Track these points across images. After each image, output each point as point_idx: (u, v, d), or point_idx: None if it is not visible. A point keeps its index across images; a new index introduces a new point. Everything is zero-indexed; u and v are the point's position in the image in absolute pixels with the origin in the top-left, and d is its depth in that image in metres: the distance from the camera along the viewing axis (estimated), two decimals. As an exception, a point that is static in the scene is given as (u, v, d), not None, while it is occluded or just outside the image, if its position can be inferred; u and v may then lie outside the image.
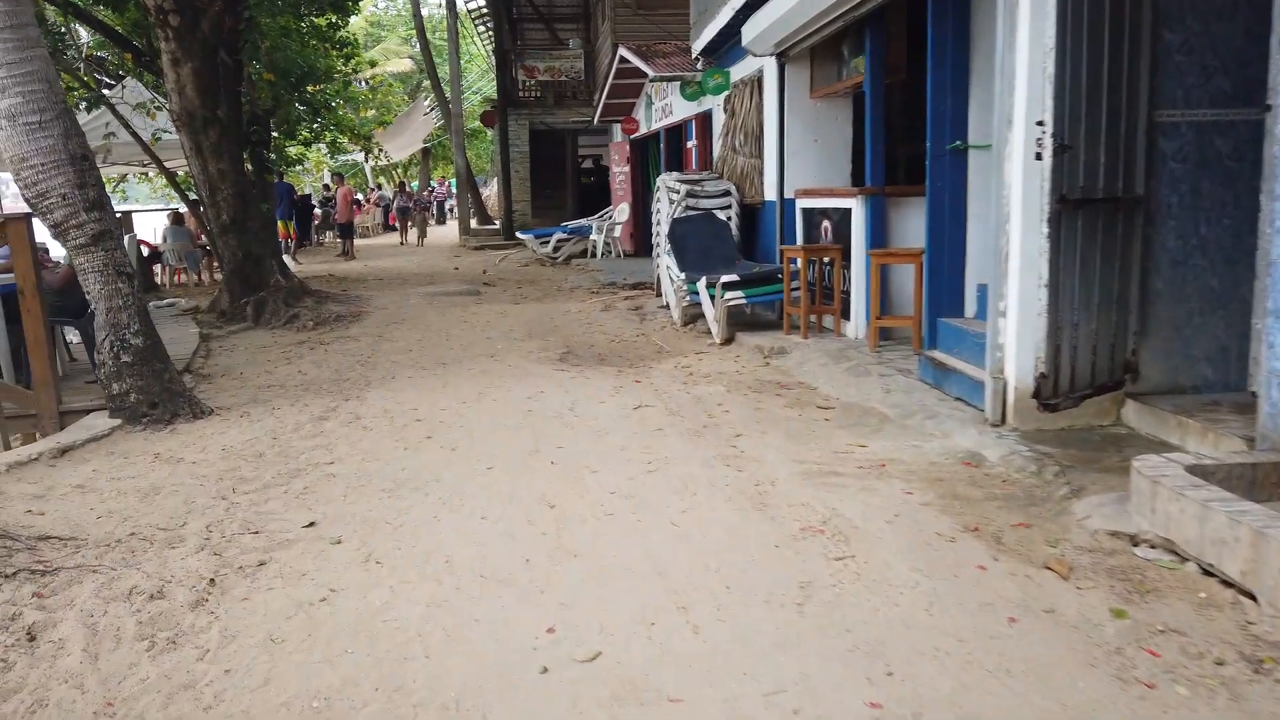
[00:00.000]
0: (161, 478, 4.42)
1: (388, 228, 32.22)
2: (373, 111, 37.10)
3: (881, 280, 6.69)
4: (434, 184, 39.04)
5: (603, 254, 16.61)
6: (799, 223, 8.45)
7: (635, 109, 16.18)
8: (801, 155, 8.57)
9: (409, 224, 24.76)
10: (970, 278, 5.69)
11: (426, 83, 32.12)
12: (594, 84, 21.41)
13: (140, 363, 5.33)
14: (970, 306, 5.71)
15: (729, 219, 9.57)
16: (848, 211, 7.38)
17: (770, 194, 9.11)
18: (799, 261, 7.63)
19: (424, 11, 38.29)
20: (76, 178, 5.10)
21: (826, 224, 7.87)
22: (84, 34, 14.84)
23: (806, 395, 5.81)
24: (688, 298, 8.76)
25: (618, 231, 16.73)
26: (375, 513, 3.82)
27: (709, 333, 8.33)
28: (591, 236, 16.99)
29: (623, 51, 13.56)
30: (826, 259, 7.66)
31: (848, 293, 7.45)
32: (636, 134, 16.21)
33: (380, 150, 24.21)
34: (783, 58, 8.38)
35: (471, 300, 11.66)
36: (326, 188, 27.40)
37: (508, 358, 7.58)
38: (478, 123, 41.04)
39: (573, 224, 17.99)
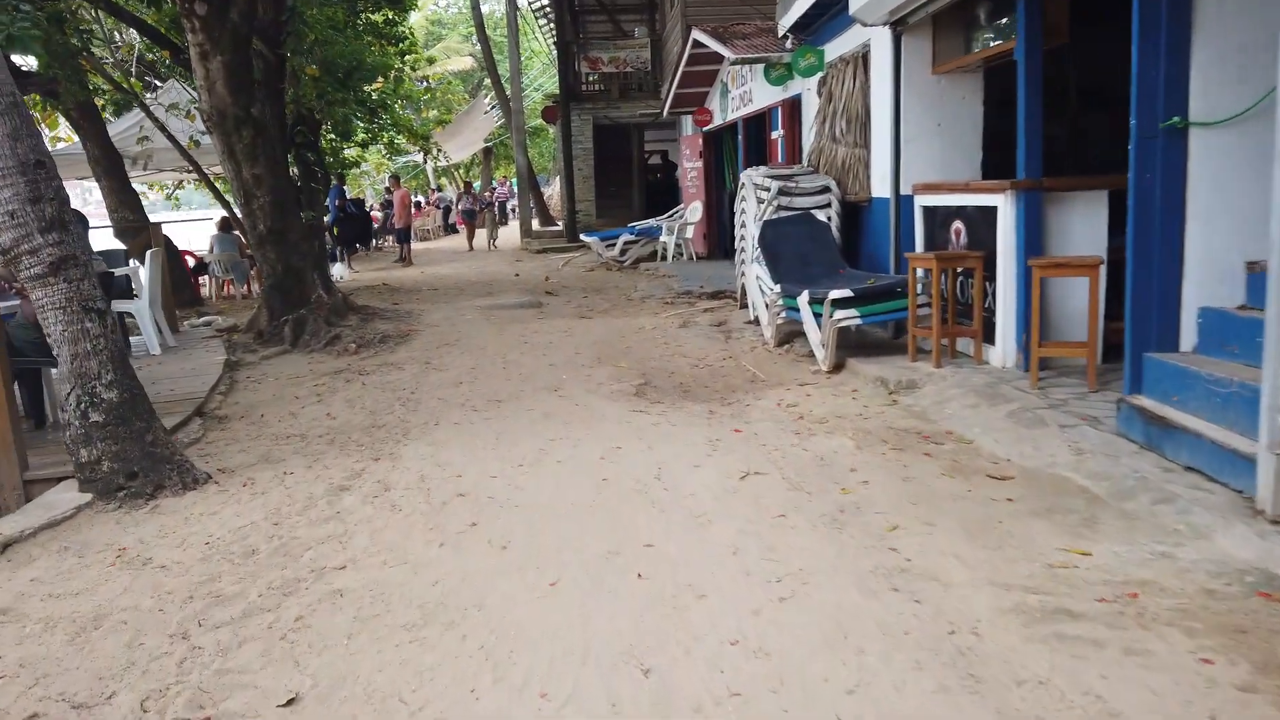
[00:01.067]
0: (113, 595, 3.26)
1: (449, 229, 31.41)
2: (434, 111, 36.45)
3: (1041, 296, 5.27)
4: (495, 184, 38.19)
5: (673, 257, 15.33)
6: (919, 224, 7.04)
7: (709, 99, 14.84)
8: (921, 142, 7.15)
9: (475, 227, 22.83)
10: (1189, 298, 4.25)
11: (487, 80, 31.22)
12: (661, 74, 20.11)
13: (115, 422, 4.22)
14: (1188, 336, 4.28)
15: (829, 220, 8.19)
16: (990, 210, 5.96)
17: (880, 189, 7.71)
18: (929, 272, 6.24)
19: (484, 8, 37.51)
20: (29, 190, 4.00)
21: (958, 226, 6.45)
22: (135, 34, 14.09)
23: (965, 455, 4.44)
24: (783, 314, 7.43)
25: (689, 233, 15.42)
26: (387, 677, 2.60)
27: (811, 356, 6.99)
28: (661, 238, 15.70)
29: (696, 34, 12.23)
30: (963, 269, 6.25)
31: (991, 311, 6.03)
32: (710, 126, 14.87)
33: (439, 150, 23.30)
34: (899, 26, 6.97)
35: (533, 314, 10.48)
36: (387, 190, 26.63)
37: (574, 392, 6.34)
38: (539, 120, 40.20)
39: (640, 225, 16.74)
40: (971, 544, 3.29)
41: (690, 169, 15.91)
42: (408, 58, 23.13)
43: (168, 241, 12.91)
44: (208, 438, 5.50)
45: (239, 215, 10.07)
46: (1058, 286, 5.58)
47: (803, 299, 6.83)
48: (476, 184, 44.96)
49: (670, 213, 17.50)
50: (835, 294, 6.40)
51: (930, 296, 6.36)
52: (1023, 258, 5.67)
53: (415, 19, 40.04)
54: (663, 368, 7.14)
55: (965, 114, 7.13)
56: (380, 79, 20.92)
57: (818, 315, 6.71)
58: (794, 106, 10.34)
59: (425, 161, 25.51)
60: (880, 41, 7.40)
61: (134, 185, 21.87)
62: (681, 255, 15.55)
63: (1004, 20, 6.10)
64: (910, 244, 7.19)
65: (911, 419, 5.21)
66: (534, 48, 43.85)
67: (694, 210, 15.53)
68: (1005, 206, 5.74)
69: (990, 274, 5.99)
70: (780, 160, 10.70)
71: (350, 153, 23.65)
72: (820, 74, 9.14)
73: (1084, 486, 3.83)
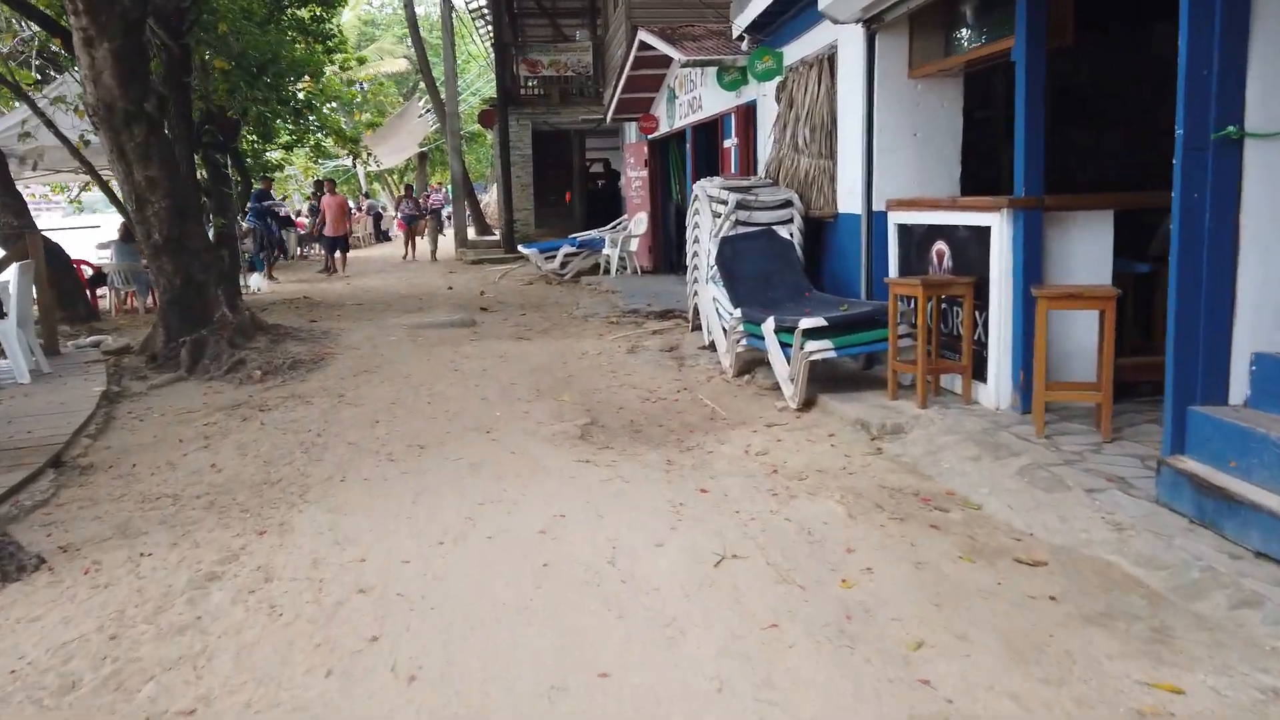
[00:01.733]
0: None
1: (380, 237, 30.15)
2: (366, 115, 35.09)
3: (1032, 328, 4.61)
4: (429, 190, 36.99)
5: (617, 271, 14.54)
6: (893, 244, 6.36)
7: (654, 105, 14.11)
8: (896, 153, 6.48)
9: (415, 234, 21.06)
10: (1241, 342, 3.60)
11: (423, 84, 30.07)
12: (604, 79, 19.34)
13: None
14: (1238, 387, 3.62)
15: (791, 237, 7.47)
16: (982, 231, 5.29)
17: (848, 204, 7.03)
18: (910, 300, 5.55)
19: (419, 9, 36.34)
20: None
21: (941, 247, 5.78)
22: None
23: (978, 527, 3.71)
24: (744, 341, 6.67)
25: (634, 245, 14.65)
26: None
27: (776, 389, 6.25)
28: (604, 251, 14.90)
29: (643, 35, 11.49)
30: (949, 297, 5.57)
31: (982, 344, 5.36)
32: (656, 133, 14.14)
33: (369, 155, 22.17)
34: (873, 25, 6.29)
35: (465, 334, 9.57)
36: (313, 195, 25.23)
37: (510, 434, 5.49)
38: (476, 125, 39.11)
39: (582, 236, 15.92)
40: (1025, 673, 2.54)
41: (635, 178, 15.16)
42: (337, 57, 22.04)
43: (58, 250, 11.69)
44: (59, 498, 4.50)
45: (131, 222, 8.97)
46: (1057, 318, 4.93)
47: (767, 326, 6.09)
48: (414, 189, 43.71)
49: (613, 224, 16.73)
50: (806, 323, 5.66)
51: (912, 327, 5.67)
52: (1021, 285, 5.00)
53: (347, 18, 38.66)
54: (610, 402, 6.32)
55: (944, 122, 6.49)
56: (307, 78, 19.81)
57: (785, 345, 5.97)
58: (749, 113, 9.64)
59: (355, 166, 24.27)
60: (851, 41, 6.72)
61: (34, 187, 20.31)
62: (625, 269, 14.78)
63: (994, 18, 5.45)
64: (883, 265, 6.51)
65: (904, 474, 4.48)
66: (471, 51, 42.74)
67: (639, 222, 14.77)
68: (1001, 227, 5.07)
69: (981, 302, 5.32)
70: (734, 171, 9.98)
71: (275, 155, 22.39)
72: (779, 78, 8.45)
73: (1137, 578, 3.12)
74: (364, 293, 14.11)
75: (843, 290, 7.12)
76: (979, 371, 5.39)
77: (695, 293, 8.60)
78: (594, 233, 16.15)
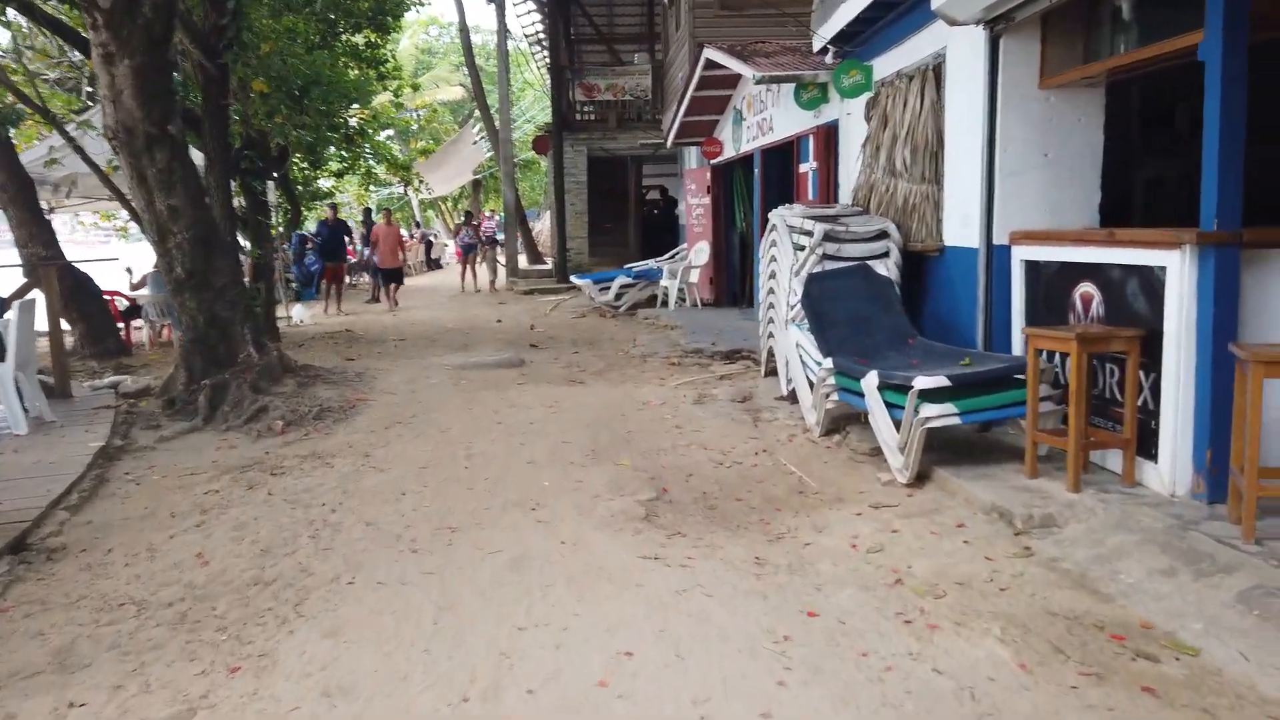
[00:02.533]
0: None
1: (432, 265, 29.62)
2: (422, 142, 34.87)
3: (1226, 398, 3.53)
4: (481, 216, 36.60)
5: (675, 303, 13.60)
6: (1018, 284, 5.31)
7: (719, 128, 13.21)
8: (1023, 177, 5.43)
9: (472, 263, 19.78)
10: None
11: (478, 111, 29.68)
12: (663, 103, 18.56)
13: None
14: None
15: (889, 274, 6.45)
16: (1147, 272, 4.24)
17: (959, 237, 5.99)
18: (1053, 355, 4.50)
19: (475, 39, 36.12)
20: None
21: (1089, 291, 4.71)
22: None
23: (1213, 692, 2.64)
24: (834, 396, 5.66)
25: (694, 276, 13.71)
26: None
27: (875, 454, 5.23)
28: (662, 282, 13.98)
29: (710, 54, 10.60)
30: (1104, 353, 4.50)
31: (1152, 413, 4.27)
32: (720, 158, 13.22)
33: (421, 182, 21.66)
34: (997, 26, 5.29)
35: (513, 376, 8.68)
36: (363, 223, 24.74)
37: (560, 513, 4.53)
38: (531, 152, 38.72)
39: (638, 266, 15.03)
40: None
41: (695, 206, 14.25)
42: (391, 83, 21.60)
43: (87, 282, 11.13)
44: (6, 597, 3.65)
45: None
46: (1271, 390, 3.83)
47: (869, 383, 5.06)
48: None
49: (671, 253, 15.82)
50: (924, 382, 4.62)
51: (1057, 388, 4.61)
52: (1210, 342, 3.93)
53: (404, 45, 38.70)
54: (678, 467, 5.35)
55: (1082, 141, 5.43)
56: (359, 105, 19.34)
57: (891, 405, 4.95)
58: (830, 134, 8.66)
59: (407, 193, 23.80)
60: (966, 47, 5.71)
61: (84, 215, 20.08)
62: (684, 302, 13.84)
63: (1164, 11, 4.42)
64: (1004, 310, 5.46)
65: (1073, 590, 3.41)
66: (527, 78, 42.55)
67: (699, 252, 13.83)
68: (1183, 268, 4.00)
69: (1149, 361, 4.24)
70: (812, 198, 9.00)
71: (325, 183, 21.99)
72: (868, 94, 7.47)
73: None
74: (409, 326, 13.36)
75: (951, 338, 6.06)
76: (1146, 446, 4.30)
77: (770, 334, 7.61)
78: (650, 263, 15.26)
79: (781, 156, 10.60)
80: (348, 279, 21.13)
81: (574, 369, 9.13)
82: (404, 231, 35.74)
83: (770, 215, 7.49)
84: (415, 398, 7.67)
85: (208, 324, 7.84)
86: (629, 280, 14.42)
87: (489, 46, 37.59)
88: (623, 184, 20.38)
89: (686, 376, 8.35)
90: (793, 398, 6.72)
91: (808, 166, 9.15)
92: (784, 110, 9.94)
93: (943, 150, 6.21)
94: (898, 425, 4.88)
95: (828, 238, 6.50)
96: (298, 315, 14.59)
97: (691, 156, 16.06)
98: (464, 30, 25.15)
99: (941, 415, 4.61)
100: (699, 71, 11.49)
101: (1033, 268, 5.25)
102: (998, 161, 5.43)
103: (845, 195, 8.32)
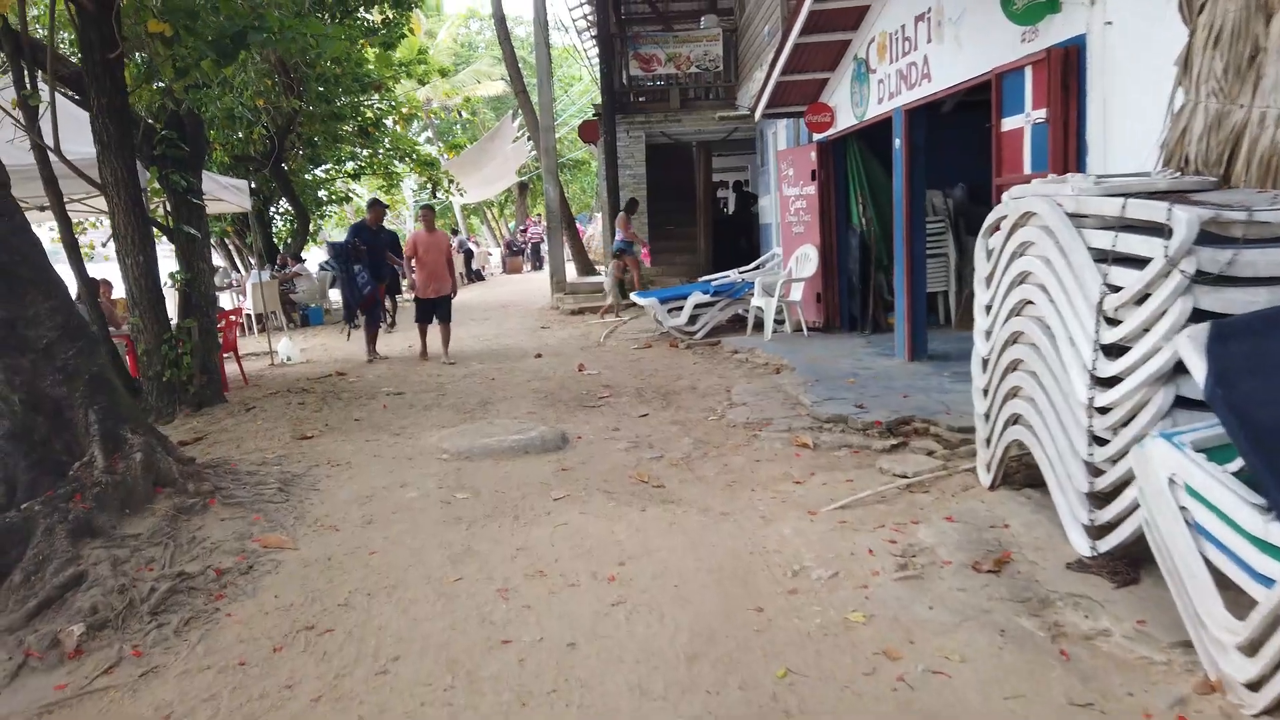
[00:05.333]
0: None
1: (473, 277, 26.44)
2: (467, 141, 31.68)
3: None
4: (527, 223, 33.48)
5: (772, 329, 10.10)
6: None
7: (827, 90, 9.69)
8: None
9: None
10: None
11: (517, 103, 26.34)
12: (737, 74, 15.07)
13: None
14: None
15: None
16: None
17: None
18: None
19: (520, 31, 32.93)
20: None
21: None
22: None
23: None
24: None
25: (797, 293, 10.18)
26: None
27: None
28: (754, 302, 10.49)
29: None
30: None
31: None
32: (829, 131, 9.70)
33: (452, 184, 18.47)
34: None
35: (544, 476, 5.29)
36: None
37: None
38: (579, 151, 35.37)
39: (718, 279, 11.55)
40: None
41: (793, 198, 10.72)
42: (418, 68, 18.41)
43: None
44: None
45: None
46: None
47: None
48: (512, 223, 40.13)
49: (757, 263, 12.33)
50: None
51: None
52: None
53: (442, 37, 35.75)
54: None
55: None
56: (375, 91, 16.21)
57: None
58: (1067, 62, 5.11)
59: (436, 195, 20.64)
60: None
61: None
62: (783, 325, 10.34)
63: None
64: None
65: None
66: (574, 74, 39.34)
67: (803, 260, 10.30)
68: None
69: None
70: (1031, 169, 5.46)
71: (338, 181, 18.91)
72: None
73: None
74: (417, 369, 10.07)
75: None
76: None
77: (1010, 414, 4.10)
78: (732, 274, 11.77)
79: (939, 118, 7.06)
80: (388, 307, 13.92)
81: (643, 455, 5.70)
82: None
83: (1028, 198, 3.98)
84: (367, 542, 4.29)
85: (27, 407, 4.59)
86: (706, 298, 10.95)
87: (531, 39, 34.30)
88: (688, 176, 16.93)
89: (839, 479, 4.87)
90: (1132, 567, 3.19)
91: (1021, 120, 5.59)
92: (954, 45, 6.43)
93: None
94: None
95: (1209, 240, 2.96)
96: (284, 352, 11.42)
97: (781, 135, 12.54)
98: (498, 12, 21.85)
99: None
100: (807, 4, 8.02)
101: None
102: None
103: (1107, 158, 4.79)
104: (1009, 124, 5.75)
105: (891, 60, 7.87)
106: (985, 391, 4.39)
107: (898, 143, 7.88)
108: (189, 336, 7.42)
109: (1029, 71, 5.47)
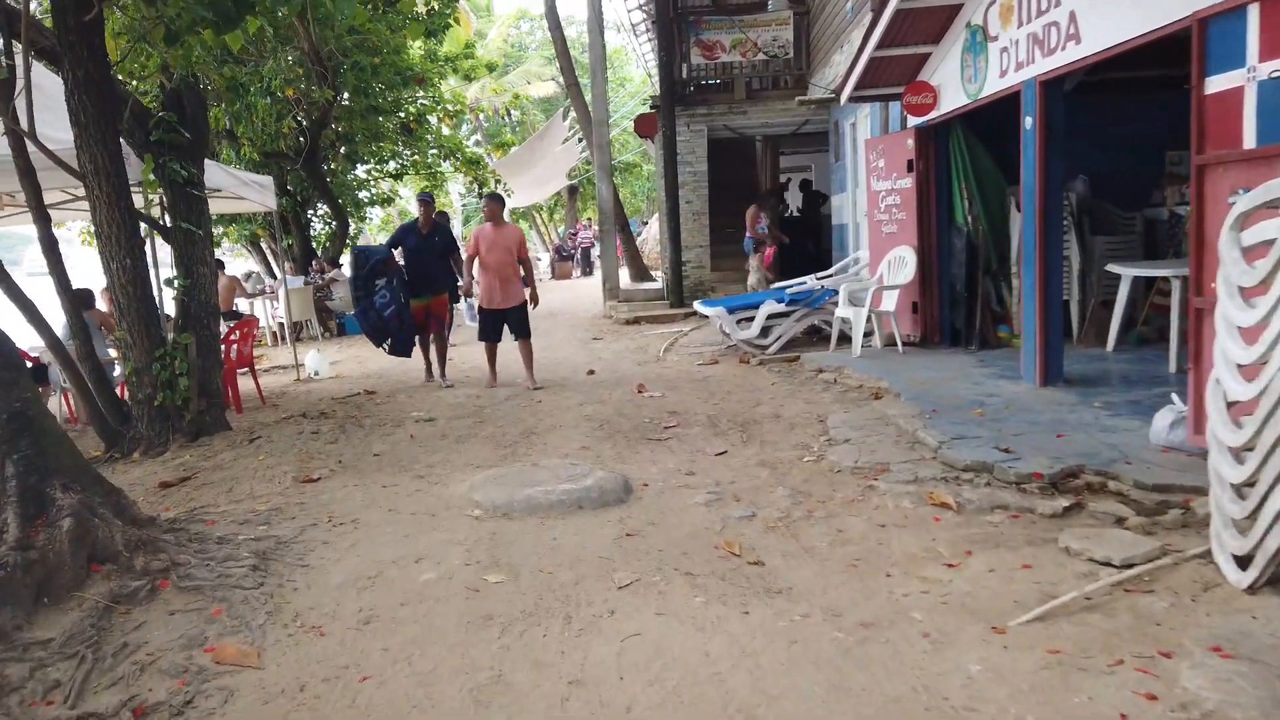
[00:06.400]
0: None
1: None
2: (517, 143, 30.60)
3: None
4: (577, 226, 32.40)
5: (861, 344, 8.71)
6: None
7: (928, 67, 8.32)
8: None
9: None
10: None
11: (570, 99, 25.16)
12: (808, 60, 13.71)
13: None
14: None
15: None
16: None
17: None
18: None
19: (570, 32, 31.77)
20: None
21: None
22: None
23: None
24: None
25: (891, 302, 8.79)
26: None
27: None
28: (838, 312, 9.13)
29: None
30: None
31: None
32: (931, 115, 8.33)
33: (499, 183, 17.37)
34: None
35: (604, 544, 4.03)
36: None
37: None
38: (631, 154, 34.15)
39: (794, 287, 10.21)
40: None
41: (884, 193, 9.33)
42: (464, 63, 17.34)
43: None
44: None
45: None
46: None
47: None
48: (561, 228, 38.98)
49: (837, 268, 10.98)
50: None
51: None
52: None
53: (492, 37, 34.89)
54: None
55: None
56: (419, 86, 15.15)
57: None
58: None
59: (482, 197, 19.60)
60: None
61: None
62: (871, 340, 8.96)
63: None
64: None
65: None
66: (625, 75, 38.20)
67: (900, 263, 8.92)
68: None
69: None
70: (1253, 140, 4.07)
71: (382, 182, 17.92)
72: None
73: None
74: (452, 390, 8.89)
75: None
76: None
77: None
78: (810, 281, 10.42)
79: (1087, 93, 5.65)
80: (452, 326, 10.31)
81: (732, 515, 4.41)
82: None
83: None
84: (359, 659, 3.03)
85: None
86: (781, 307, 9.62)
87: (582, 39, 33.09)
88: (753, 174, 15.62)
89: (1009, 561, 3.53)
90: None
91: (1240, 77, 4.19)
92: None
93: None
94: None
95: None
96: (312, 366, 10.35)
97: (863, 124, 11.17)
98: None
99: None
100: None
101: None
102: None
103: None
104: (1218, 84, 4.34)
105: (1021, 23, 6.49)
106: (1246, 452, 3.02)
107: (1029, 121, 6.49)
108: (185, 354, 6.31)
109: (1254, 10, 4.07)
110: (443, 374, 9.03)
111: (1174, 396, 4.81)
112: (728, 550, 3.96)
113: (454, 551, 3.99)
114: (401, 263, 8.73)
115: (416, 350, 9.02)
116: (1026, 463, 4.64)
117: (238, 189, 9.16)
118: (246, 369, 8.59)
